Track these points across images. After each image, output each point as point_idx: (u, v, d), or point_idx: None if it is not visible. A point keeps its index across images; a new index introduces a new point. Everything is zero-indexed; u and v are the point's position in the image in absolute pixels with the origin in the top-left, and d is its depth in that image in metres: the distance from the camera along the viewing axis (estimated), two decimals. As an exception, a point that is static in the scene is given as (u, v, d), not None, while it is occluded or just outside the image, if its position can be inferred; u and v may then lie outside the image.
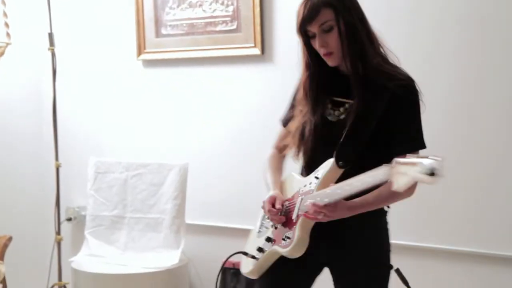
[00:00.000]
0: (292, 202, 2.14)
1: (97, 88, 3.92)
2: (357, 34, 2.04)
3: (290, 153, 2.24)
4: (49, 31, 3.65)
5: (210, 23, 3.44)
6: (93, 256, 3.59)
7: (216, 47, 3.42)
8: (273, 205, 2.13)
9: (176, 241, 3.40)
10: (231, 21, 3.39)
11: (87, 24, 3.91)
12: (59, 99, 3.72)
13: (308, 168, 2.17)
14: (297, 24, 2.06)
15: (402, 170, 1.72)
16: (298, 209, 2.09)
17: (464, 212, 2.86)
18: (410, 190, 1.96)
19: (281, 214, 2.13)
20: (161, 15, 3.63)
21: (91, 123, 3.96)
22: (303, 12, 2.03)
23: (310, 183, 2.09)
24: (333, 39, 2.03)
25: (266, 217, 2.21)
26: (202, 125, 3.52)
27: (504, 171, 2.79)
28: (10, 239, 3.38)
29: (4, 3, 3.48)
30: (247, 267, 2.24)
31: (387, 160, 1.85)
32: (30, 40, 3.93)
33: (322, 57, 2.07)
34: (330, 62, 2.07)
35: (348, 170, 2.02)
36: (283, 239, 2.09)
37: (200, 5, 3.51)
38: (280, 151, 2.33)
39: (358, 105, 2.04)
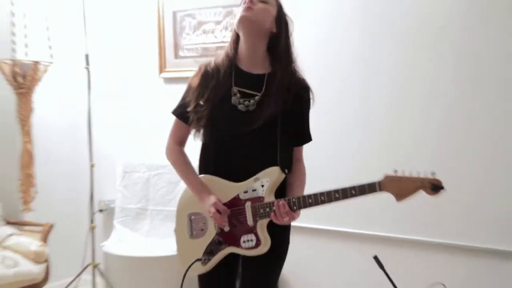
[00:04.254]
0: (237, 209, 2.02)
1: (125, 100, 4.08)
2: (282, 28, 2.02)
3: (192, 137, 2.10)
4: (85, 53, 3.81)
5: (220, 47, 3.28)
6: (121, 241, 3.74)
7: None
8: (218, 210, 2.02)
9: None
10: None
11: (117, 47, 4.08)
12: (92, 110, 3.84)
13: (217, 155, 2.03)
14: None
15: (399, 186, 1.74)
16: (255, 215, 1.99)
17: (442, 204, 2.85)
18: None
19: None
20: (179, 40, 3.81)
21: (119, 130, 4.11)
22: None
23: (254, 190, 1.98)
24: (261, 7, 1.97)
25: (192, 220, 2.13)
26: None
27: (498, 172, 2.86)
28: (52, 226, 3.61)
29: (47, 28, 3.71)
30: (198, 270, 2.11)
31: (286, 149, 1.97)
32: (69, 60, 4.07)
33: (242, 6, 1.97)
34: (247, 13, 1.95)
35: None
36: (245, 242, 2.01)
37: (212, 32, 3.71)
38: (180, 144, 2.18)
39: (276, 104, 1.95)
